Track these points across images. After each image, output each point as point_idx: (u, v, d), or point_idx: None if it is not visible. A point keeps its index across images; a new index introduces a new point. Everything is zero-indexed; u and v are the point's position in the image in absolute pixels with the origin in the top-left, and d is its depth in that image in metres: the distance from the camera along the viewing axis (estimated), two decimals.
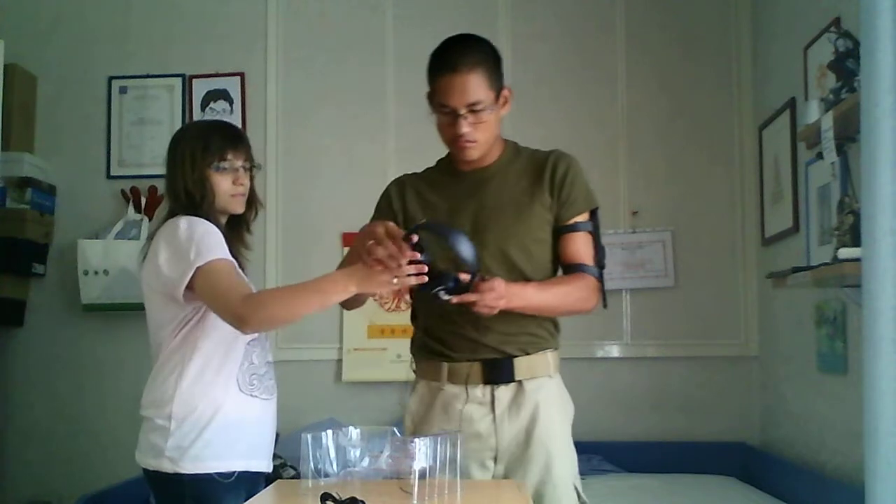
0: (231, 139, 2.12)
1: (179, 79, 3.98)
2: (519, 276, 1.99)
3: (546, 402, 2.01)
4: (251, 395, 2.05)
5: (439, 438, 1.65)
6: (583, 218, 2.06)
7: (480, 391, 2.00)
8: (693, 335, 3.74)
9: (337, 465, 1.72)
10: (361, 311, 3.75)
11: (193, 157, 2.07)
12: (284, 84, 3.96)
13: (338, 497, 1.49)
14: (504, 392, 2.00)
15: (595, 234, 2.07)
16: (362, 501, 1.47)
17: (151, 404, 2.03)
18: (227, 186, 2.09)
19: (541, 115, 3.73)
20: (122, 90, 4.00)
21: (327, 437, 1.73)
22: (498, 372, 2.00)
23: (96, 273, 3.73)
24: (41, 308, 3.93)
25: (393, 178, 2.17)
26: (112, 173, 3.95)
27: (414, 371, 2.14)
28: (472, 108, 1.92)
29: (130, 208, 3.86)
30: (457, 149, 1.99)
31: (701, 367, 3.74)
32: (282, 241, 3.90)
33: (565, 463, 2.02)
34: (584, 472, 3.37)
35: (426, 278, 1.78)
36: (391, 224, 1.83)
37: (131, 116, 3.97)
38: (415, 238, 1.77)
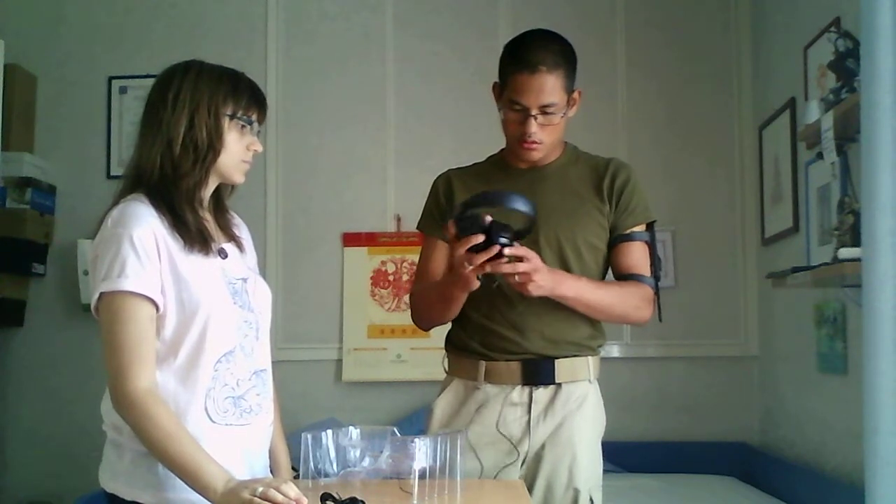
0: (258, 93, 1.76)
1: None
2: None
3: (582, 407, 1.99)
4: (225, 425, 1.62)
5: (439, 438, 1.65)
6: (640, 228, 2.03)
7: (518, 392, 1.96)
8: (693, 335, 3.74)
9: (337, 465, 1.72)
10: (361, 312, 3.83)
11: (214, 97, 1.68)
12: (284, 84, 3.96)
13: (338, 497, 1.48)
14: (542, 394, 1.97)
15: (652, 246, 2.04)
16: (362, 501, 1.47)
17: (110, 424, 1.64)
18: (241, 148, 1.70)
19: None
20: (122, 90, 3.99)
21: (327, 437, 1.73)
22: (538, 373, 1.95)
23: None
24: (41, 308, 3.93)
25: (439, 174, 2.10)
26: (112, 173, 3.94)
27: (445, 370, 2.08)
28: (545, 110, 1.88)
29: None
30: (521, 148, 1.94)
31: (701, 367, 3.74)
32: (282, 241, 3.89)
33: (588, 470, 2.00)
34: None
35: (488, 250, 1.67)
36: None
37: (131, 116, 3.96)
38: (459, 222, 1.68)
